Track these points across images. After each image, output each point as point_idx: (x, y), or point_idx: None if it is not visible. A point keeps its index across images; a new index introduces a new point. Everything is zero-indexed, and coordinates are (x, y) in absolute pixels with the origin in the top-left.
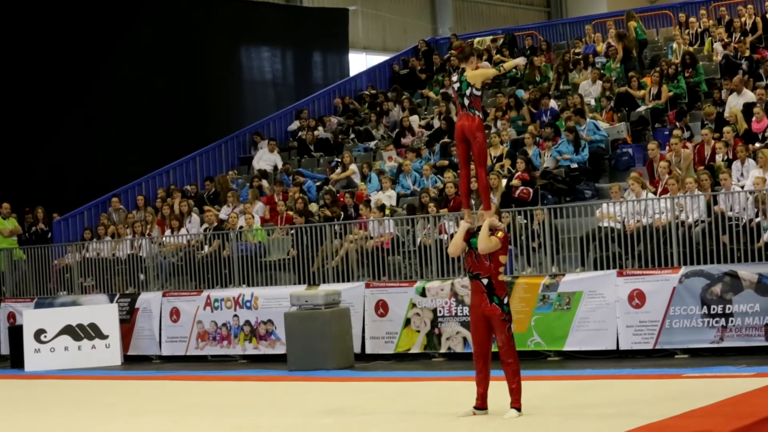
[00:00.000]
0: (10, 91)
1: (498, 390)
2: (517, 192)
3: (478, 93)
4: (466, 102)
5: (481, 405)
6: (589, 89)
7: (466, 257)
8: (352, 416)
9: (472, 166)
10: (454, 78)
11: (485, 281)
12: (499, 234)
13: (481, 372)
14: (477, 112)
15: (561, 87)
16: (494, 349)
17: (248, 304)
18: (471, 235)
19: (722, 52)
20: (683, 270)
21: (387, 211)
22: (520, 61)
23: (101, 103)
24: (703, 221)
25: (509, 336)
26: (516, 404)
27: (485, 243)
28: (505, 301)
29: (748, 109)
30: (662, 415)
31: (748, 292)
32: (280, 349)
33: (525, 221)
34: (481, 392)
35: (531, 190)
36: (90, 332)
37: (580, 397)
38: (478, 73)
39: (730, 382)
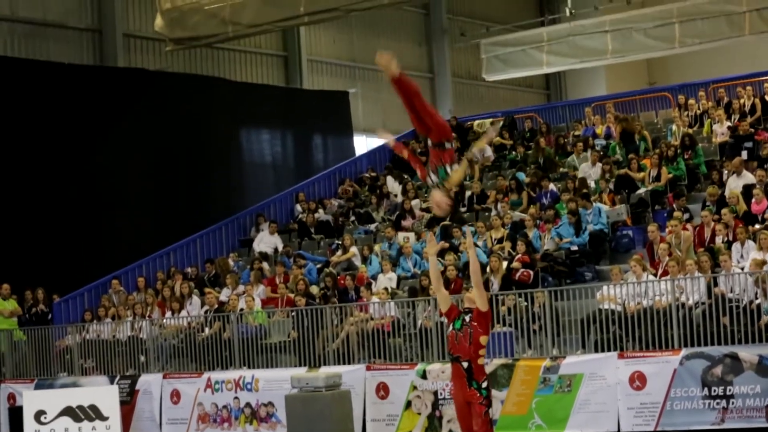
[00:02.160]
0: (10, 172)
1: None
2: (518, 274)
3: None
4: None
5: None
6: (589, 171)
7: (448, 337)
8: None
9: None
10: (430, 180)
11: (465, 365)
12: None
13: None
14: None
15: (560, 169)
16: None
17: (249, 386)
18: (457, 312)
19: (726, 133)
20: (684, 352)
21: (387, 296)
22: (491, 133)
23: (101, 184)
24: (703, 303)
25: (486, 420)
26: None
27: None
28: (484, 385)
29: (747, 191)
30: None
31: (749, 374)
32: None
33: (526, 304)
34: None
35: (531, 273)
36: (90, 414)
37: None
38: (455, 178)
39: None
